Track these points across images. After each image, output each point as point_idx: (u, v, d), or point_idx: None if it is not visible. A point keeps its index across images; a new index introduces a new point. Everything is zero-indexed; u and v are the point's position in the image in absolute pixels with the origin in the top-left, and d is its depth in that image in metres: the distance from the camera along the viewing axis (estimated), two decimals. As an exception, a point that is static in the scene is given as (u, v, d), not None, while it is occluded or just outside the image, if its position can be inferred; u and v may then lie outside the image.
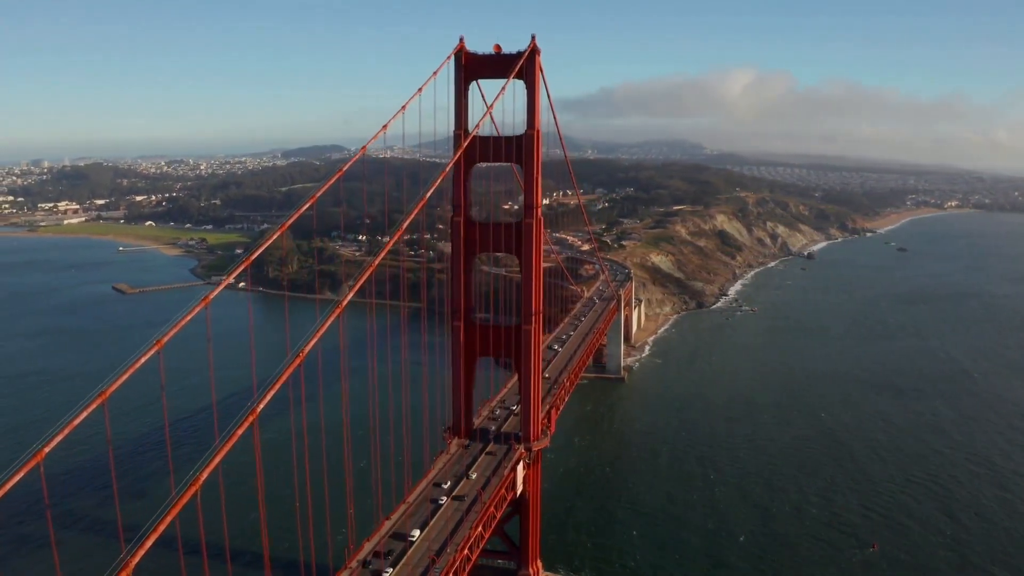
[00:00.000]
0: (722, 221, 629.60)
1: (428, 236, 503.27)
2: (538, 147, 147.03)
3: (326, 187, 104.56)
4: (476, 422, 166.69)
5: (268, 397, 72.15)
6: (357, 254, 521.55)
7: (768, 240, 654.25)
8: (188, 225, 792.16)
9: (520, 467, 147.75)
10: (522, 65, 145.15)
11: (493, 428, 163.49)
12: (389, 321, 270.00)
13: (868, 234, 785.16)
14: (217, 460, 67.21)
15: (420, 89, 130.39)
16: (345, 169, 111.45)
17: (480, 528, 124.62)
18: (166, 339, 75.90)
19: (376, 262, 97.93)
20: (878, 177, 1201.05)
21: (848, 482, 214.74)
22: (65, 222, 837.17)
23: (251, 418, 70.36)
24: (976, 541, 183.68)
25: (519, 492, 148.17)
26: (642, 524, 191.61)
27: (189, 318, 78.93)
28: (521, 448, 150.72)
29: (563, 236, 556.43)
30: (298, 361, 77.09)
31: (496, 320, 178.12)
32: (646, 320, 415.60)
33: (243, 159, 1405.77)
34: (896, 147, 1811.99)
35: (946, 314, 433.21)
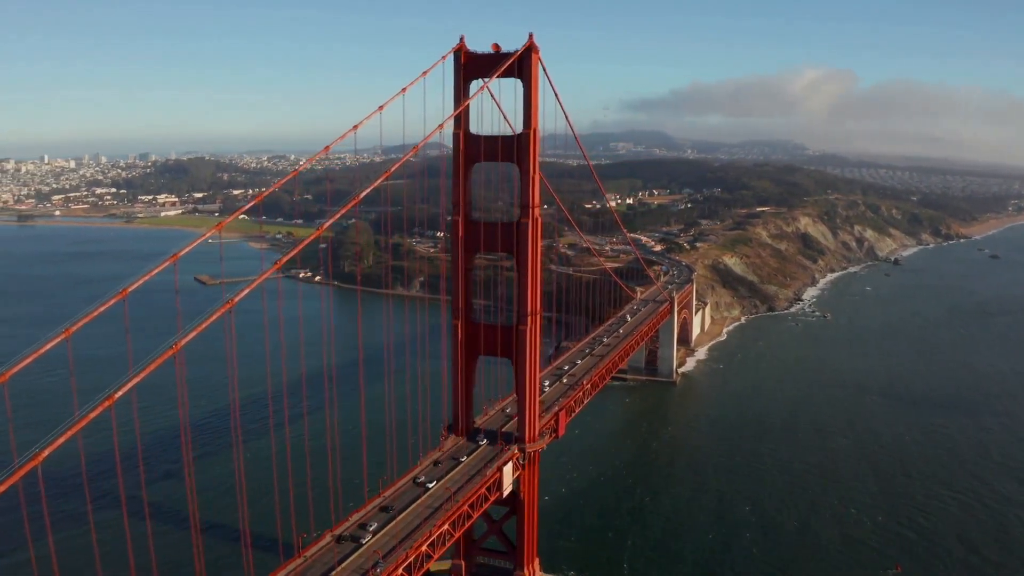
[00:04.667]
0: (806, 224, 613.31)
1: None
2: (535, 146, 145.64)
3: (269, 190, 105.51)
4: (479, 421, 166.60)
5: (130, 385, 73.71)
6: (432, 251, 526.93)
7: (854, 244, 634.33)
8: (280, 219, 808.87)
9: (508, 468, 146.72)
10: (521, 64, 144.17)
11: (495, 428, 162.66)
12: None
13: (962, 240, 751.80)
14: (60, 441, 69.03)
15: (404, 89, 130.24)
16: (300, 170, 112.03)
17: (447, 526, 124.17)
18: (75, 328, 78.13)
19: (285, 259, 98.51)
20: (982, 181, 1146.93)
21: (878, 501, 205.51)
22: (162, 214, 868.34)
23: (107, 403, 72.00)
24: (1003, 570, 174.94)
25: (506, 493, 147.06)
26: (655, 532, 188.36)
27: (103, 309, 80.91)
28: (513, 449, 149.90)
29: (637, 236, 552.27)
30: (172, 351, 78.49)
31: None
32: (711, 323, 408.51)
33: (343, 155, 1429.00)
34: (1001, 150, 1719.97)
35: (1021, 328, 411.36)
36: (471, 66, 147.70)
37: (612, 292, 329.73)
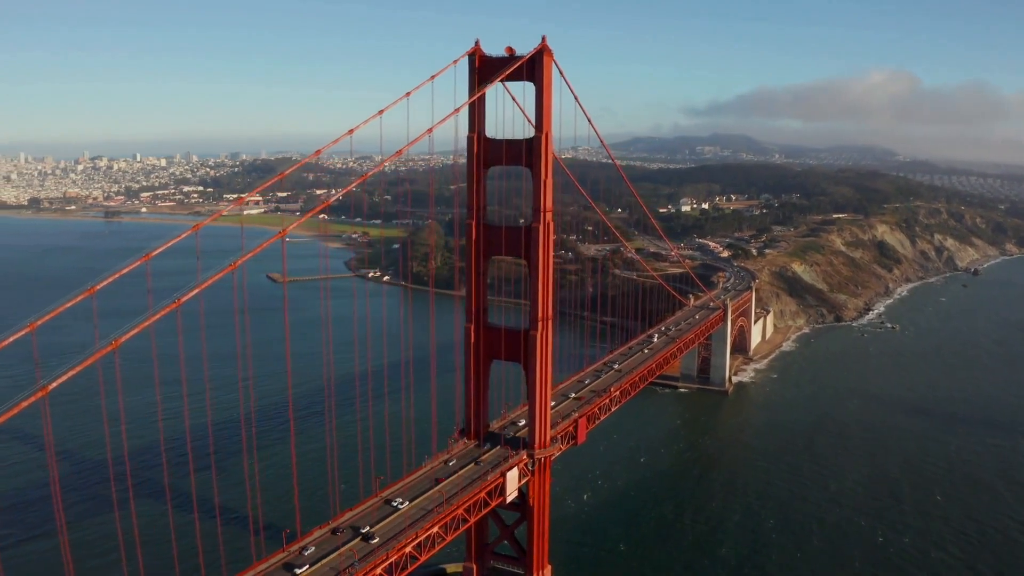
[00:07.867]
0: (883, 231, 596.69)
1: (570, 237, 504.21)
2: (548, 150, 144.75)
3: (259, 188, 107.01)
4: (496, 425, 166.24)
5: (64, 379, 75.73)
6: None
7: (932, 253, 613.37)
8: (358, 219, 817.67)
9: (513, 473, 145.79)
10: (533, 67, 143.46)
11: (509, 433, 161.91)
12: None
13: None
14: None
15: (408, 93, 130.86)
16: (288, 172, 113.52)
17: (436, 528, 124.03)
18: (39, 323, 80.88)
19: (243, 260, 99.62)
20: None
21: (910, 525, 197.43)
22: (244, 212, 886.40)
23: (40, 394, 74.09)
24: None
25: (510, 498, 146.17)
26: (678, 546, 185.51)
27: (70, 305, 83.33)
28: (521, 455, 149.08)
29: (705, 241, 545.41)
30: (110, 348, 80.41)
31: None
32: (774, 332, 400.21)
33: (427, 156, 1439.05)
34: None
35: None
36: (486, 69, 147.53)
37: (670, 298, 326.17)
